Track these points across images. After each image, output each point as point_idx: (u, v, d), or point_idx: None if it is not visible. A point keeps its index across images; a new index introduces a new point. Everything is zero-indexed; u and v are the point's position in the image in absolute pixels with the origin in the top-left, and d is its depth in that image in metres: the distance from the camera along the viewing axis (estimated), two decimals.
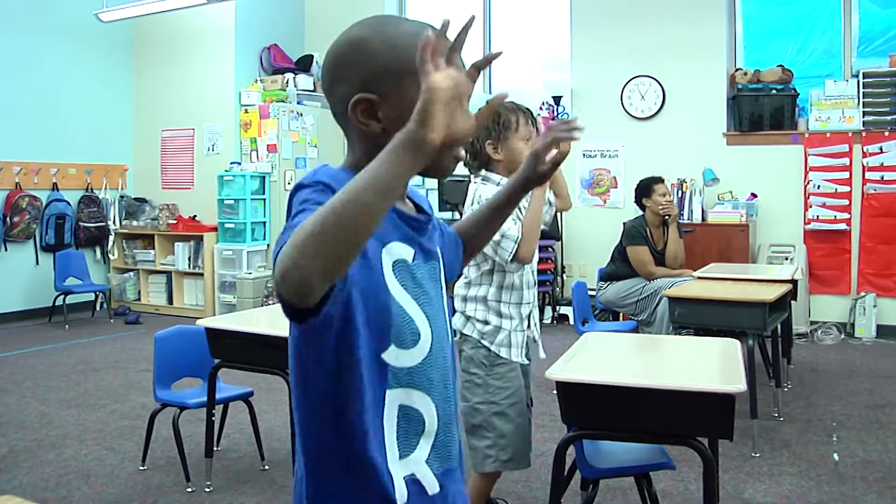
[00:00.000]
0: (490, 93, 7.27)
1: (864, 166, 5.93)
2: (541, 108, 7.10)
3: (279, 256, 0.82)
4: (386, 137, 0.92)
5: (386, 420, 1.01)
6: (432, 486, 1.05)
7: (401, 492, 1.01)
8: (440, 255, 1.15)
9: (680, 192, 6.17)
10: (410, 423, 1.04)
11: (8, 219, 6.67)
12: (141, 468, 3.26)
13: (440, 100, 0.82)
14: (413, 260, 1.05)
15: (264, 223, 7.22)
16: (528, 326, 2.53)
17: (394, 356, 1.02)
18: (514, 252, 2.35)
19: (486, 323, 2.42)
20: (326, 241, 0.79)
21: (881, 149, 5.89)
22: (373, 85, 1.01)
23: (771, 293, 3.57)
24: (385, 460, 1.00)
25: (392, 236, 1.03)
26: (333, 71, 1.05)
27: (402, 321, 1.02)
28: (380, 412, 1.01)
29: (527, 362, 2.52)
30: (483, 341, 2.40)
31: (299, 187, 0.99)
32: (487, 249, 2.35)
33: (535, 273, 2.60)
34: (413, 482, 1.03)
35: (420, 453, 1.05)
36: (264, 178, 7.16)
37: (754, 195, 6.19)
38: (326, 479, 1.02)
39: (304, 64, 7.77)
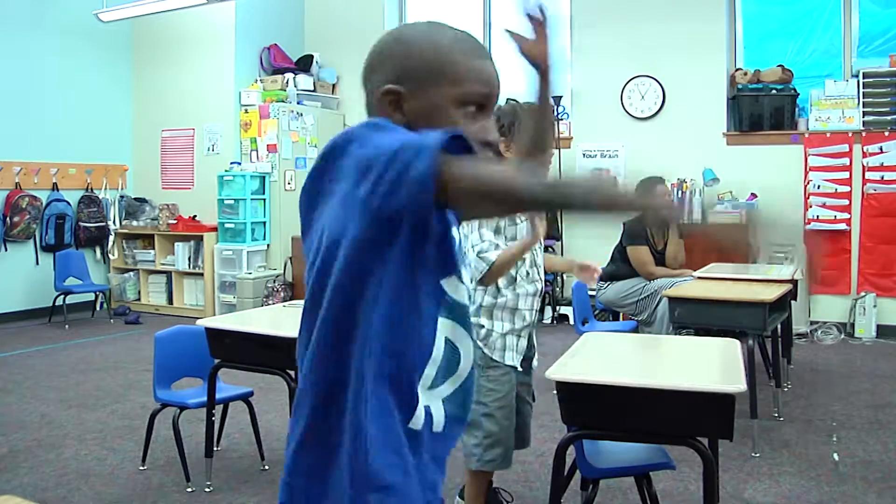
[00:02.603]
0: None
1: (864, 166, 5.93)
2: None
3: (461, 168, 0.89)
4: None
5: (435, 347, 1.05)
6: (439, 424, 1.08)
7: (418, 418, 1.04)
8: None
9: (680, 192, 6.17)
10: (448, 358, 1.07)
11: (8, 219, 6.67)
12: (141, 468, 3.26)
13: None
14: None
15: (264, 223, 7.22)
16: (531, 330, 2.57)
17: (452, 287, 1.06)
18: (482, 275, 2.41)
19: (480, 326, 2.47)
20: (513, 203, 0.97)
21: (881, 149, 5.89)
22: (404, 79, 1.05)
23: (771, 293, 3.57)
24: (418, 385, 1.04)
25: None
26: (373, 60, 1.09)
27: (457, 259, 1.07)
28: (431, 338, 1.04)
29: (522, 369, 2.56)
30: (478, 342, 2.43)
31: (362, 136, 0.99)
32: (471, 256, 2.40)
33: (539, 284, 2.60)
34: (427, 413, 1.06)
35: (444, 389, 1.08)
36: (264, 178, 7.16)
37: (754, 195, 6.19)
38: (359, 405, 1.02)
39: (304, 64, 7.77)
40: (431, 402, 1.07)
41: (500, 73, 1.09)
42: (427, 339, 1.04)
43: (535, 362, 2.66)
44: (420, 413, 1.04)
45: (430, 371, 1.05)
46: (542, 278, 2.64)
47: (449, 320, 1.07)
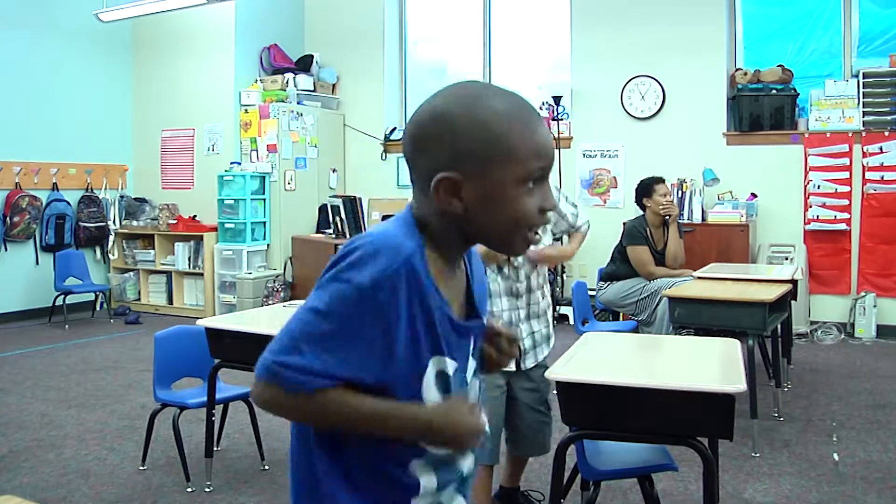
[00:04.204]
0: None
1: (864, 166, 5.93)
2: (541, 109, 7.10)
3: (283, 370, 0.96)
4: (466, 217, 1.00)
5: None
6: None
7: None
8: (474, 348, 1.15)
9: (680, 192, 6.17)
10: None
11: (8, 219, 6.66)
12: (141, 468, 3.26)
13: (458, 440, 1.01)
14: (454, 373, 1.05)
15: (264, 223, 7.22)
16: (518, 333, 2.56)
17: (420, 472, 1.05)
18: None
19: None
20: (320, 426, 1.02)
21: (881, 149, 5.89)
22: (457, 164, 0.99)
23: (771, 293, 3.56)
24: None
25: (437, 349, 1.02)
26: (417, 142, 1.02)
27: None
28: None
29: (510, 369, 2.54)
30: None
31: (345, 270, 0.97)
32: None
33: (520, 285, 2.60)
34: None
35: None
36: (264, 178, 7.16)
37: (754, 195, 6.19)
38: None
39: (304, 64, 7.77)
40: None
41: (551, 138, 1.04)
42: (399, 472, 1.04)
43: (544, 368, 2.58)
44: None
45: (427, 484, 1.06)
46: (526, 281, 2.61)
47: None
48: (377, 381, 0.98)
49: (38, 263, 6.96)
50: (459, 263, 1.10)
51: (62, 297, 6.61)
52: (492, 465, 2.65)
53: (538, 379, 2.62)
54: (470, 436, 1.02)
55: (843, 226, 6.01)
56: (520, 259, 2.58)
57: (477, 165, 0.98)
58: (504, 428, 2.66)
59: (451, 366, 1.04)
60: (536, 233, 1.05)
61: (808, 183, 6.10)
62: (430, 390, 1.02)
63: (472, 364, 1.11)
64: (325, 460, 1.03)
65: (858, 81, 5.95)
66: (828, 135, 6.03)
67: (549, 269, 3.01)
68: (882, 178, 5.89)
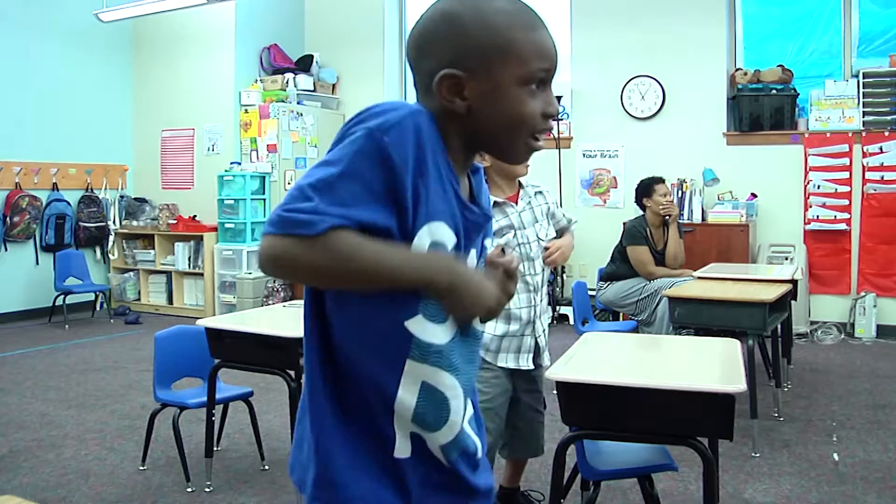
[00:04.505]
0: None
1: (864, 166, 5.93)
2: None
3: (290, 218, 0.90)
4: (468, 117, 1.00)
5: (400, 391, 1.00)
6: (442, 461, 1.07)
7: (400, 450, 1.03)
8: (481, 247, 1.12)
9: (680, 192, 6.17)
10: (431, 405, 1.03)
11: (8, 219, 6.67)
12: (141, 468, 3.26)
13: (477, 306, 0.99)
14: (454, 248, 1.02)
15: (264, 223, 7.20)
16: (533, 331, 2.52)
17: (420, 328, 1.00)
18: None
19: None
20: (329, 277, 0.94)
21: (881, 149, 5.89)
22: (461, 61, 0.99)
23: (771, 293, 3.56)
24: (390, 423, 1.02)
25: (439, 215, 0.99)
26: (421, 44, 1.03)
27: (424, 297, 0.99)
28: (391, 383, 1.00)
29: (528, 367, 2.50)
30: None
31: (354, 125, 0.96)
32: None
33: (541, 276, 2.59)
34: (417, 447, 1.04)
35: (437, 437, 1.05)
36: (264, 178, 7.16)
37: (754, 195, 6.19)
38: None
39: (304, 64, 7.77)
40: (428, 444, 1.04)
41: (555, 43, 1.04)
42: (386, 383, 1.00)
43: (530, 361, 2.54)
44: (403, 446, 1.02)
45: (403, 414, 1.01)
46: (541, 274, 2.59)
47: (423, 364, 1.00)
48: (384, 229, 0.94)
49: (38, 263, 6.97)
50: (463, 176, 1.08)
51: (62, 297, 6.61)
52: None
53: (538, 378, 2.61)
54: (489, 301, 1.00)
55: (843, 226, 6.01)
56: (534, 250, 2.53)
57: (480, 63, 0.98)
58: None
59: (450, 240, 1.01)
60: (539, 140, 1.04)
61: (808, 183, 6.10)
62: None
63: (472, 257, 1.08)
64: (320, 395, 1.01)
65: (858, 81, 5.95)
66: (828, 135, 6.03)
67: (550, 270, 3.01)
68: (882, 178, 5.89)
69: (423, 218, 0.97)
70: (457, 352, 1.04)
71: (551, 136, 6.89)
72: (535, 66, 1.00)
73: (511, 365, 2.46)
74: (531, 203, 2.58)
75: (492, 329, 2.43)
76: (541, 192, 2.64)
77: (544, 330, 2.59)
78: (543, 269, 2.62)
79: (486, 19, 0.99)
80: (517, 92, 1.00)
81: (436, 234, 0.98)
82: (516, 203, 2.53)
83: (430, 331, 1.00)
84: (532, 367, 2.52)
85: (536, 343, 2.53)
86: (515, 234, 2.48)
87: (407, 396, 1.00)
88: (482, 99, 0.99)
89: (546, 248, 2.58)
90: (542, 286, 2.61)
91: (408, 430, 1.02)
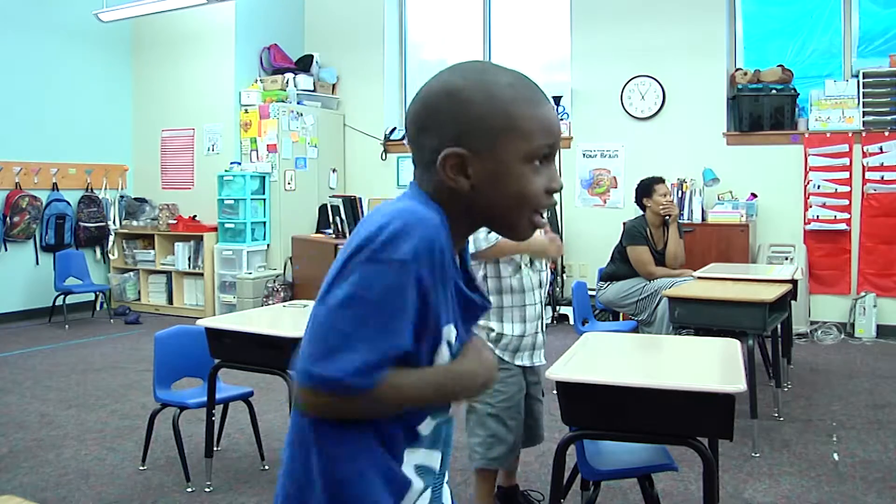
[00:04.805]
0: None
1: (864, 166, 5.93)
2: None
3: (332, 365, 0.89)
4: (472, 195, 0.99)
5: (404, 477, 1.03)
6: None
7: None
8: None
9: (680, 192, 6.17)
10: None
11: (8, 219, 6.66)
12: (141, 468, 3.26)
13: (481, 387, 1.04)
14: (455, 339, 1.04)
15: (264, 223, 7.22)
16: (541, 327, 2.61)
17: (426, 426, 1.04)
18: (486, 248, 2.45)
19: (491, 329, 2.49)
20: (378, 411, 0.96)
21: (881, 149, 5.89)
22: (466, 140, 0.97)
23: (771, 293, 3.56)
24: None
25: (449, 318, 1.01)
26: (423, 119, 1.00)
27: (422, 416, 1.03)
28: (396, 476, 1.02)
29: (540, 363, 2.62)
30: (489, 344, 2.44)
31: (381, 251, 0.91)
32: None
33: (543, 274, 2.64)
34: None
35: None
36: (264, 178, 7.16)
37: (754, 195, 6.19)
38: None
39: (304, 64, 7.77)
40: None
41: (558, 118, 1.05)
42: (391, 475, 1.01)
43: (542, 357, 2.69)
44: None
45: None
46: (546, 270, 2.67)
47: (419, 449, 1.04)
48: (411, 353, 0.95)
49: (38, 263, 6.96)
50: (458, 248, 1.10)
51: (62, 297, 6.61)
52: (496, 471, 2.65)
53: (539, 370, 2.69)
54: (490, 375, 1.05)
55: (843, 226, 6.01)
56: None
57: (484, 140, 0.97)
58: None
59: (454, 335, 1.03)
60: (542, 216, 1.04)
61: (808, 183, 6.10)
62: (443, 359, 1.02)
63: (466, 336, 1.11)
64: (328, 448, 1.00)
65: (858, 81, 5.95)
66: (828, 135, 6.03)
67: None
68: (882, 178, 5.89)
69: (445, 325, 1.00)
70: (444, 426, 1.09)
71: None
72: (539, 142, 0.99)
73: (527, 363, 2.58)
74: None
75: (510, 331, 2.50)
76: None
77: (546, 325, 2.71)
78: (546, 265, 2.69)
79: (492, 96, 0.97)
80: (522, 169, 0.98)
81: (448, 335, 1.01)
82: None
83: (426, 425, 1.04)
84: (545, 361, 2.61)
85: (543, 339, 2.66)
86: None
87: (408, 475, 1.03)
88: (487, 177, 0.98)
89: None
90: (546, 282, 2.68)
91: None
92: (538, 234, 2.47)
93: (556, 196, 1.04)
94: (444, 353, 1.00)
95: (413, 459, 1.03)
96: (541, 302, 2.61)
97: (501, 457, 2.55)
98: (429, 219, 0.94)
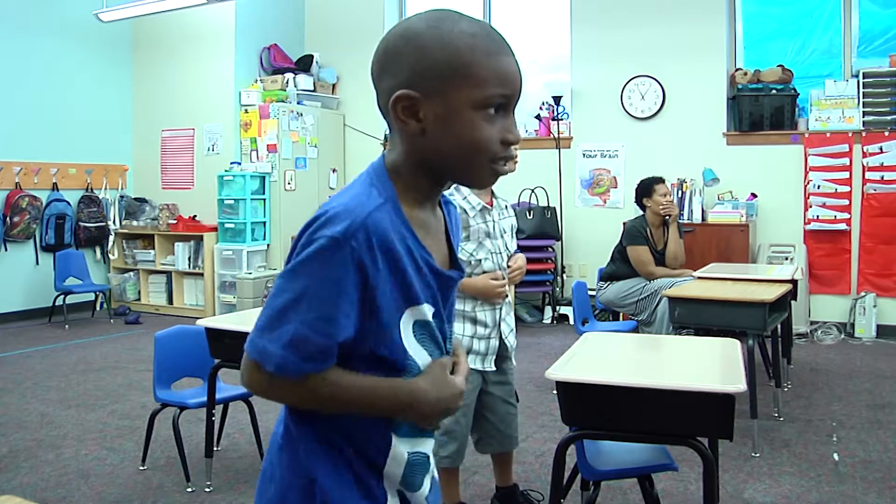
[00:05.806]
0: None
1: (864, 166, 5.93)
2: (541, 108, 7.11)
3: (271, 353, 0.94)
4: (424, 138, 0.99)
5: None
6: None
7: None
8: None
9: (680, 192, 6.17)
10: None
11: (8, 219, 6.67)
12: (141, 468, 3.26)
13: (436, 407, 1.02)
14: (433, 317, 1.05)
15: (264, 223, 7.22)
16: (499, 333, 2.61)
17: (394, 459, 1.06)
18: None
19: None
20: (316, 405, 1.00)
21: (881, 149, 5.89)
22: (419, 82, 0.97)
23: (771, 293, 3.56)
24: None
25: (416, 298, 1.01)
26: (382, 62, 1.01)
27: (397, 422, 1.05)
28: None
29: (491, 370, 2.60)
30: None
31: (316, 231, 0.94)
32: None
33: (498, 309, 2.66)
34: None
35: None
36: (264, 178, 7.16)
37: (754, 195, 6.19)
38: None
39: (304, 64, 7.77)
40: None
41: (520, 69, 1.02)
42: (374, 456, 1.04)
43: (513, 362, 2.71)
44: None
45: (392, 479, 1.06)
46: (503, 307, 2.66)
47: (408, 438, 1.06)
48: (359, 335, 0.96)
49: (38, 263, 6.97)
50: (436, 212, 1.09)
51: (62, 297, 6.61)
52: (457, 468, 2.67)
53: (508, 371, 2.69)
54: (453, 400, 1.04)
55: (843, 226, 6.01)
56: (504, 259, 2.63)
57: (435, 84, 0.97)
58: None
59: (428, 311, 1.03)
60: (506, 163, 1.03)
61: (808, 183, 6.10)
62: (410, 340, 1.02)
63: (451, 312, 1.11)
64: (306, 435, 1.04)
65: (858, 81, 5.95)
66: (828, 135, 6.03)
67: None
68: (882, 178, 5.89)
69: (403, 306, 1.00)
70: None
71: (551, 135, 6.90)
72: (493, 90, 0.98)
73: (477, 367, 2.56)
74: (503, 214, 2.69)
75: (460, 330, 2.50)
76: (509, 207, 2.76)
77: (511, 330, 2.70)
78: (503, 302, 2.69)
79: (447, 40, 0.97)
80: (472, 116, 0.98)
81: (416, 314, 1.02)
82: (492, 208, 2.63)
83: (393, 457, 1.05)
84: (494, 369, 2.61)
85: (503, 343, 2.64)
86: (490, 241, 2.59)
87: (394, 468, 1.05)
88: (437, 121, 0.98)
89: (508, 266, 2.66)
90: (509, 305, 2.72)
91: (395, 489, 1.07)
92: (483, 278, 2.52)
93: (515, 149, 1.03)
94: (410, 337, 1.01)
95: (400, 452, 1.05)
96: (496, 317, 2.60)
97: (453, 454, 2.57)
98: (366, 205, 0.96)
